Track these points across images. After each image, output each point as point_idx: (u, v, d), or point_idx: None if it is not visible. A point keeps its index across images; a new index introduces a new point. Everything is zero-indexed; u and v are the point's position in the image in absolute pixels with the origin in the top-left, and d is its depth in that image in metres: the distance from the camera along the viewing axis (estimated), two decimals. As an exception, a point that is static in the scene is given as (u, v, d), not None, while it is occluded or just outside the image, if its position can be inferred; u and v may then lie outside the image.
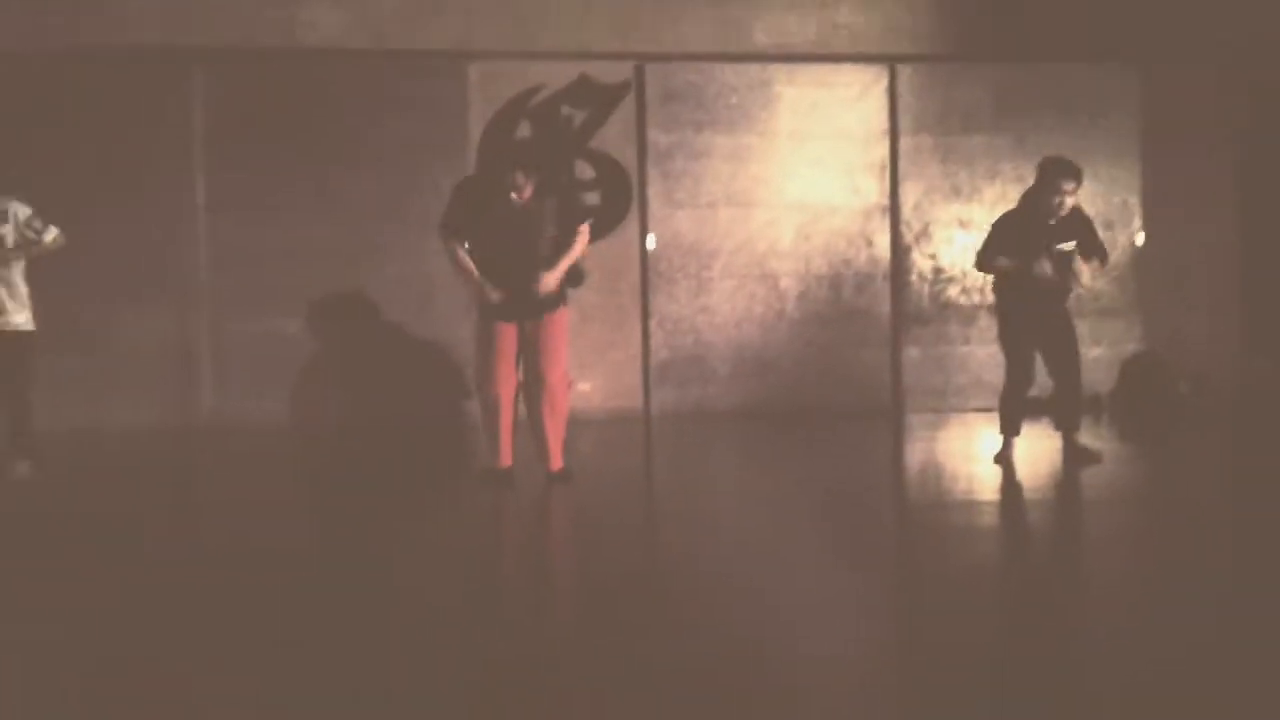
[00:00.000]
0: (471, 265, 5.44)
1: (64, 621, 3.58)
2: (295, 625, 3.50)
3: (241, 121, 7.91)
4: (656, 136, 8.30)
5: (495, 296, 5.41)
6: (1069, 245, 5.97)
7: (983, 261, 6.03)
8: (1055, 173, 5.85)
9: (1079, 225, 6.01)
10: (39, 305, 6.00)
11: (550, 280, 5.47)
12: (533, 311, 5.52)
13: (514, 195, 5.46)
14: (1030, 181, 6.13)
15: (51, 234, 5.89)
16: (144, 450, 7.19)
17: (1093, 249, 6.04)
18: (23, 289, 5.89)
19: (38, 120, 7.63)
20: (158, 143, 7.84)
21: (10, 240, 5.82)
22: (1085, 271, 5.97)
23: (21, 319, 5.86)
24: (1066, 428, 6.14)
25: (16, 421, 5.90)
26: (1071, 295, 6.21)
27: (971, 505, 5.27)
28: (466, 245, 5.48)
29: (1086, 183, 8.51)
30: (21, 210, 5.87)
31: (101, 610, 3.68)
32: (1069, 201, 5.86)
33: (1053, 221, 5.90)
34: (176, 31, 7.79)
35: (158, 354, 7.87)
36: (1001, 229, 6.00)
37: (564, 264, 5.51)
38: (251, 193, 7.93)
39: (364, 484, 6.15)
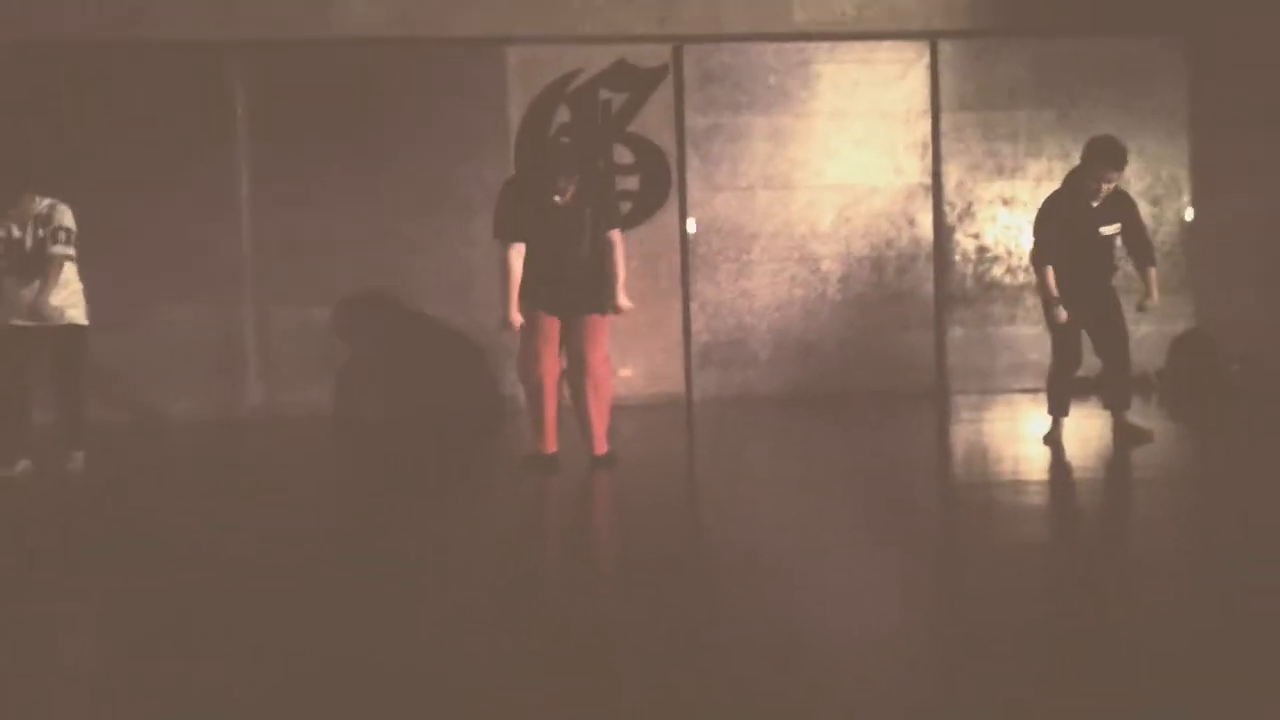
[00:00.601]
0: (516, 278, 5.46)
1: (119, 607, 3.63)
2: (346, 603, 3.52)
3: (283, 112, 7.95)
4: (695, 119, 8.25)
5: (517, 319, 5.47)
6: (1113, 229, 5.89)
7: (1040, 256, 5.91)
8: (1100, 158, 5.78)
9: (1123, 209, 5.93)
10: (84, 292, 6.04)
11: (624, 301, 5.61)
12: (576, 311, 5.57)
13: (556, 198, 5.48)
14: (1076, 159, 6.05)
15: (60, 251, 5.87)
16: (189, 442, 7.27)
17: (1138, 243, 5.97)
18: (76, 284, 5.94)
19: (83, 113, 7.71)
20: (202, 135, 7.90)
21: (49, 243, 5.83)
22: (1154, 288, 5.96)
23: (75, 313, 5.92)
24: (1116, 407, 6.06)
25: (71, 415, 5.97)
26: (1118, 273, 6.13)
27: (1020, 486, 5.21)
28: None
29: (1133, 158, 8.43)
30: (66, 217, 5.90)
31: (156, 595, 3.73)
32: (1108, 188, 5.80)
33: (1095, 204, 5.82)
34: (219, 24, 7.83)
35: (203, 346, 7.95)
36: (1048, 216, 5.92)
37: (622, 276, 5.60)
38: (294, 183, 7.97)
39: (409, 472, 6.18)
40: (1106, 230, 5.88)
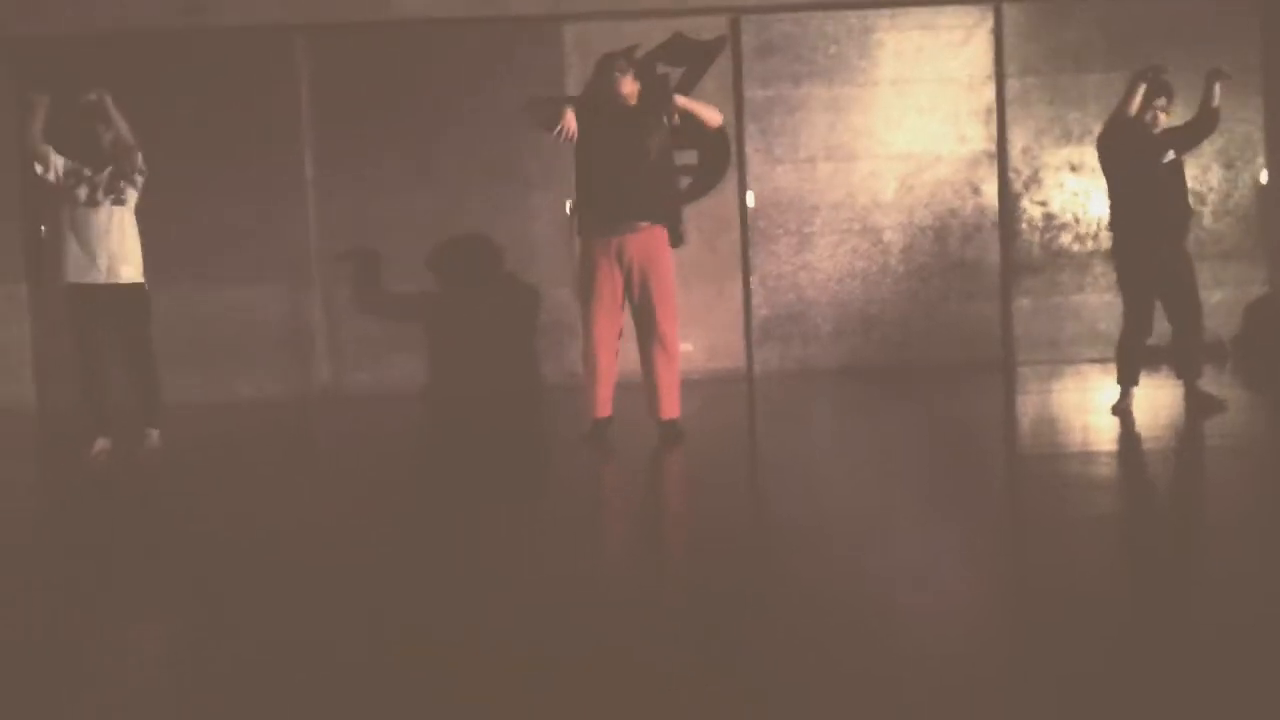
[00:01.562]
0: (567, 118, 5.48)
1: (201, 587, 3.74)
2: (416, 580, 3.60)
3: (346, 94, 8.05)
4: (754, 91, 8.20)
5: (570, 126, 5.43)
6: (1170, 155, 5.80)
7: (1106, 142, 5.86)
8: (1150, 90, 5.75)
9: (1168, 137, 5.84)
10: (153, 275, 6.11)
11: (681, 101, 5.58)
12: (639, 215, 5.50)
13: (619, 92, 5.47)
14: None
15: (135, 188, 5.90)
16: (259, 420, 7.43)
17: (1192, 130, 5.93)
18: (132, 241, 5.88)
19: (149, 97, 7.85)
20: (267, 119, 8.03)
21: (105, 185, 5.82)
22: (1216, 92, 5.88)
23: (128, 270, 5.85)
24: (1188, 376, 5.94)
25: (146, 386, 5.98)
26: (1191, 236, 6.02)
27: (1088, 457, 5.14)
28: (565, 129, 5.48)
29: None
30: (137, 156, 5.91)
31: (241, 575, 3.84)
32: (1163, 118, 5.72)
33: (1156, 131, 5.75)
34: (282, 8, 7.94)
35: (271, 325, 8.10)
36: (1111, 134, 5.88)
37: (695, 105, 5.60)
38: (357, 164, 8.08)
39: (476, 448, 6.26)
40: (1166, 158, 5.80)
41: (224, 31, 7.94)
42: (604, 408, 5.64)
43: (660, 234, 5.58)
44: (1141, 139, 5.79)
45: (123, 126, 5.90)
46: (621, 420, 5.83)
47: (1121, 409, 5.92)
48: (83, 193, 5.86)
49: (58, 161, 5.89)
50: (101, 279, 5.83)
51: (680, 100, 5.65)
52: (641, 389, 5.73)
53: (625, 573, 3.77)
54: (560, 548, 4.01)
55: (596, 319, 5.54)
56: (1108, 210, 6.03)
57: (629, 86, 5.53)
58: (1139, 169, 5.76)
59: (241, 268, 8.02)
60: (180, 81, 7.94)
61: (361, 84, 8.06)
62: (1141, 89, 5.79)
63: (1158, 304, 5.90)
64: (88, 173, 5.90)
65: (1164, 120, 5.78)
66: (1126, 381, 5.94)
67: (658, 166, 5.54)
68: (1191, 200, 5.97)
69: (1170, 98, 5.78)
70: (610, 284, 5.52)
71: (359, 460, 5.99)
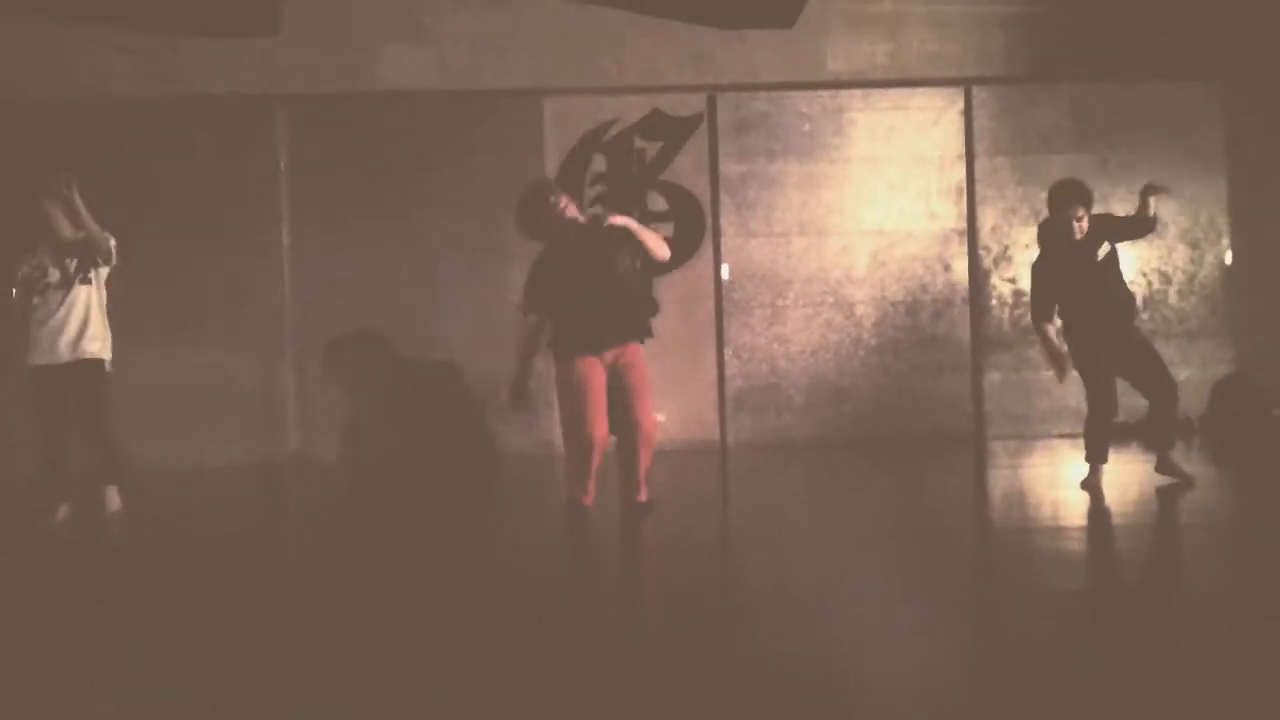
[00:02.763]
0: (528, 352, 5.56)
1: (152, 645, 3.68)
2: (377, 649, 3.55)
3: (324, 162, 8.12)
4: (729, 166, 8.33)
5: (518, 399, 5.54)
6: (1104, 250, 5.92)
7: (1039, 315, 5.99)
8: (1066, 197, 5.89)
9: (1103, 228, 5.96)
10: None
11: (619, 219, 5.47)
12: (619, 338, 5.49)
13: (567, 218, 5.43)
14: (1114, 203, 6.07)
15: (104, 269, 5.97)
16: (226, 486, 7.36)
17: (1127, 228, 6.06)
18: (99, 317, 5.96)
19: (128, 163, 7.90)
20: (245, 185, 8.07)
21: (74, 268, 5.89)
22: (1151, 203, 6.01)
23: (95, 347, 5.92)
24: (1160, 447, 5.99)
25: (104, 453, 5.99)
26: (1142, 315, 6.14)
27: (1059, 532, 5.16)
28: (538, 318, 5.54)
29: (1173, 200, 8.42)
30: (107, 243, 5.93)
31: (181, 642, 3.78)
32: (1084, 224, 5.87)
33: (1078, 237, 5.86)
34: (262, 77, 8.03)
35: (243, 390, 8.06)
36: (1041, 276, 6.00)
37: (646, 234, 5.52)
38: (334, 231, 8.12)
39: (446, 518, 6.21)
40: (1101, 253, 5.91)
41: (204, 99, 8.01)
42: (590, 496, 5.60)
43: (638, 351, 5.57)
44: (1070, 254, 5.90)
45: (91, 223, 5.89)
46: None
47: (1091, 484, 5.96)
48: (53, 276, 5.92)
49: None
50: (65, 358, 5.91)
51: (628, 224, 5.47)
52: (613, 472, 5.70)
53: (598, 636, 3.74)
54: (533, 612, 3.97)
55: (592, 419, 5.40)
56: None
57: (571, 209, 5.48)
58: (1072, 271, 5.89)
59: (215, 333, 8.01)
60: (159, 148, 7.98)
61: (340, 154, 8.13)
62: (1059, 202, 5.94)
63: (1121, 383, 5.98)
64: (52, 262, 5.94)
65: (1080, 228, 5.86)
66: (1095, 459, 5.99)
67: (630, 279, 5.49)
68: (1147, 280, 6.08)
69: (1088, 205, 5.91)
70: (598, 383, 5.45)
71: (324, 527, 5.93)
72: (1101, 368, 5.89)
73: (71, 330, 5.89)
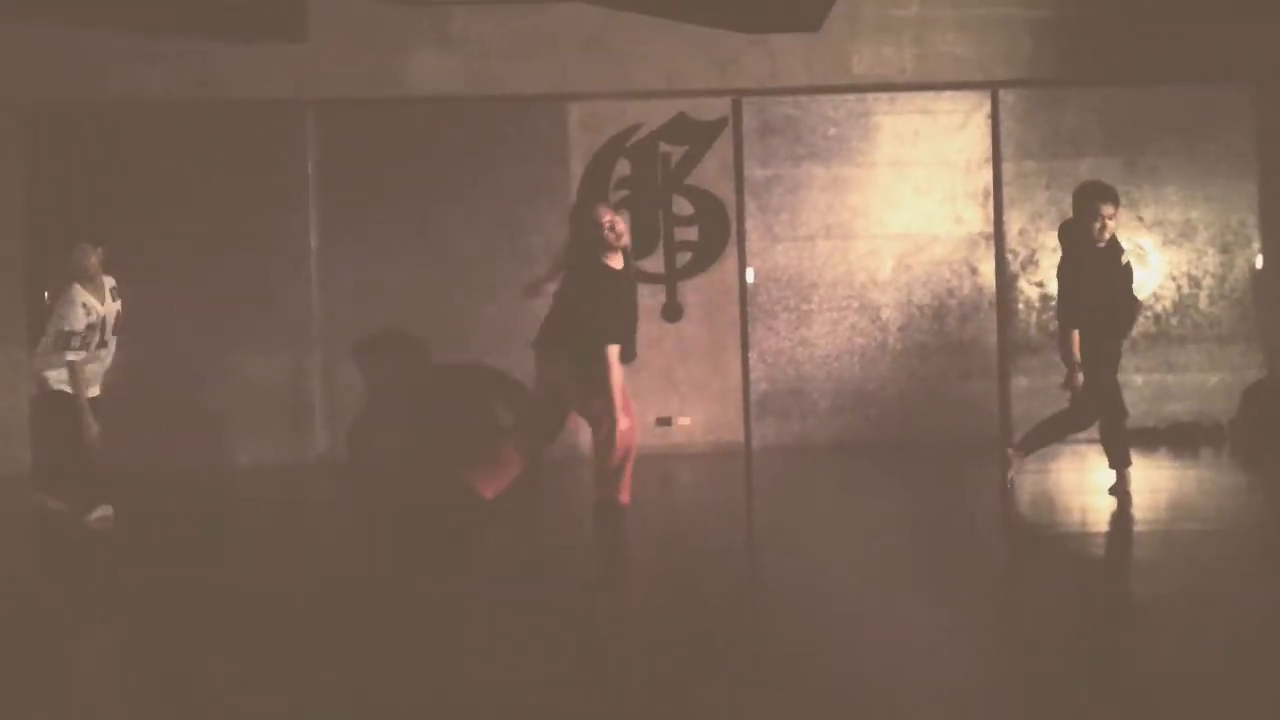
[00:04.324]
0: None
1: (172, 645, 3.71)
2: (396, 647, 3.57)
3: (352, 167, 8.17)
4: (754, 170, 8.32)
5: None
6: (1125, 258, 5.93)
7: (1071, 319, 5.88)
8: (1092, 197, 5.84)
9: (1120, 257, 5.93)
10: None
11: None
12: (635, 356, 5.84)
13: (620, 236, 5.69)
14: (1143, 207, 6.03)
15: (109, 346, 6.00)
16: (254, 488, 7.41)
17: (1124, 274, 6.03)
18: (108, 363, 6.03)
19: (158, 167, 7.99)
20: (274, 190, 8.14)
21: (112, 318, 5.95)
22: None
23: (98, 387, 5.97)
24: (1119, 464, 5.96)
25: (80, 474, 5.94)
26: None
27: (1086, 537, 5.12)
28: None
29: (1202, 205, 8.34)
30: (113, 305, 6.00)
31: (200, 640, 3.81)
32: (1111, 225, 5.79)
33: (1101, 245, 5.80)
34: (290, 82, 8.09)
35: (272, 394, 8.12)
36: (1069, 277, 5.92)
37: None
38: (362, 236, 8.17)
39: (471, 520, 6.23)
40: (1124, 260, 5.89)
41: (235, 104, 8.08)
42: (628, 495, 5.68)
43: None
44: (1090, 250, 5.86)
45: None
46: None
47: (1120, 490, 5.90)
48: (95, 316, 5.92)
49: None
50: (98, 393, 6.01)
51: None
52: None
53: (620, 636, 3.74)
54: (557, 615, 3.98)
55: (630, 408, 5.64)
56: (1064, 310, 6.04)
57: (626, 234, 5.71)
58: (1094, 274, 5.84)
59: (243, 336, 8.07)
60: (188, 152, 8.06)
61: (368, 158, 8.18)
62: (1086, 201, 5.89)
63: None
64: (99, 313, 5.94)
65: (1108, 227, 5.82)
66: (1120, 464, 5.93)
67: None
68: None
69: (1116, 204, 5.88)
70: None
71: (349, 527, 5.96)
72: (1106, 374, 5.86)
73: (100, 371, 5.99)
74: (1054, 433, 6.13)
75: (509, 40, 8.19)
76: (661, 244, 8.29)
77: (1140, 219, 8.37)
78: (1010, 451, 6.20)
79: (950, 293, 8.35)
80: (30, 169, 7.99)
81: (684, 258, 8.30)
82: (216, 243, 8.02)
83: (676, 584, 4.72)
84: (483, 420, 8.17)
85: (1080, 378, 5.83)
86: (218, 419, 8.04)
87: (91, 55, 7.98)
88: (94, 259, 5.88)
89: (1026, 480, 7.02)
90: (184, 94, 8.05)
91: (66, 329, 5.76)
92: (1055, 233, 8.32)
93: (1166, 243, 8.39)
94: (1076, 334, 5.86)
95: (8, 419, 7.96)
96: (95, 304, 5.87)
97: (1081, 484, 6.60)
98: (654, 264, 8.27)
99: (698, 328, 8.24)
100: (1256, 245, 8.44)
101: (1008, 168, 8.37)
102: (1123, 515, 5.54)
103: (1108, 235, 5.82)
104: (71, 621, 4.18)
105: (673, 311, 8.29)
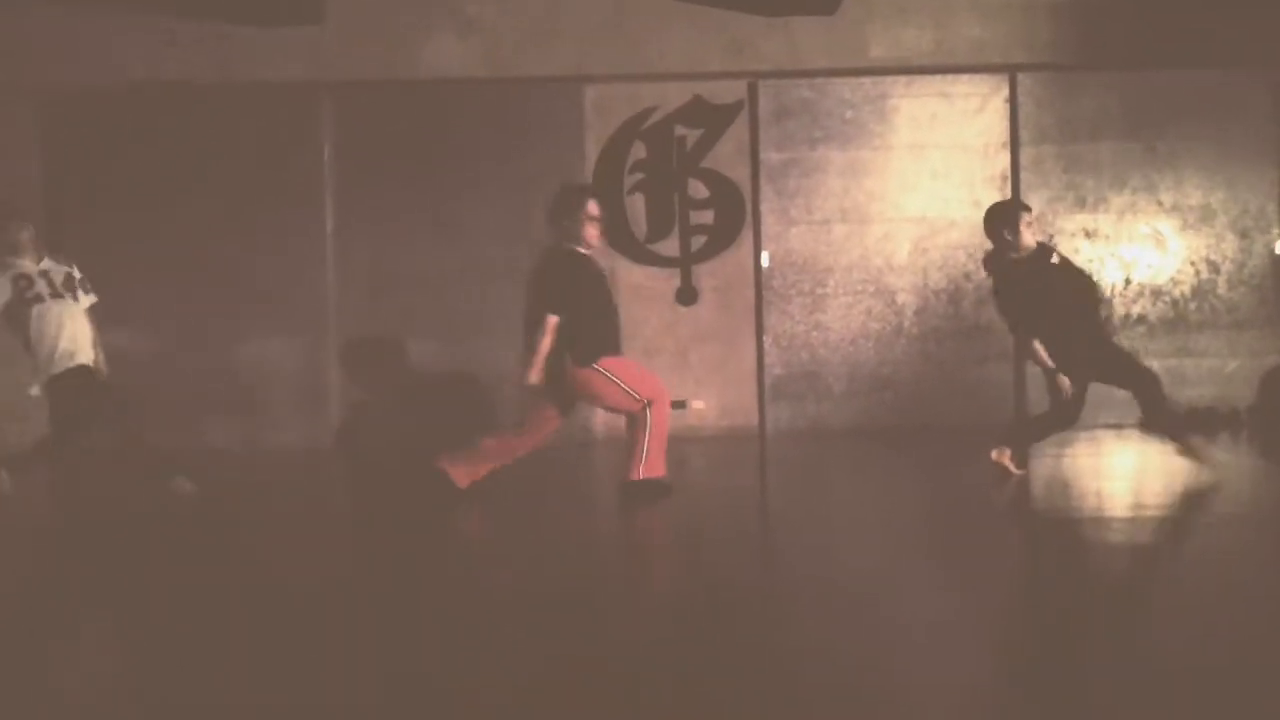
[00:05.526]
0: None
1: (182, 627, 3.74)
2: (415, 630, 3.59)
3: (368, 149, 8.19)
4: (770, 154, 8.29)
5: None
6: (1055, 257, 6.03)
7: (1026, 336, 5.93)
8: (1000, 216, 5.99)
9: (1048, 258, 6.00)
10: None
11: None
12: None
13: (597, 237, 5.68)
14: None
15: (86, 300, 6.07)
16: (270, 471, 7.45)
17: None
18: (88, 333, 6.03)
19: (175, 150, 8.03)
20: (289, 171, 8.16)
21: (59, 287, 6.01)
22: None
23: (85, 357, 5.98)
24: (1171, 431, 5.98)
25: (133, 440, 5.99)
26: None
27: (1101, 522, 5.10)
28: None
29: (1222, 190, 8.28)
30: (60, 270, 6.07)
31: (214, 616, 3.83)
32: (1032, 230, 5.96)
33: (1021, 255, 5.92)
34: (307, 65, 8.11)
35: (288, 376, 8.16)
36: (1009, 308, 5.97)
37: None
38: (378, 218, 8.19)
39: (486, 503, 6.25)
40: (1055, 259, 5.98)
41: (251, 88, 8.10)
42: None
43: None
44: (1017, 267, 5.91)
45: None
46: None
47: (1003, 470, 5.96)
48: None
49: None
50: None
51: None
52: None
53: (623, 632, 3.76)
54: (571, 598, 4.00)
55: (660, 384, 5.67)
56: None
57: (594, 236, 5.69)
58: (1031, 287, 5.86)
59: (259, 319, 8.10)
60: (205, 135, 8.08)
61: (383, 141, 8.19)
62: (995, 222, 5.99)
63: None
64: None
65: (1028, 235, 5.89)
66: (1018, 446, 6.07)
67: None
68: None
69: (1028, 210, 6.03)
70: None
71: (361, 512, 5.99)
72: (1078, 375, 5.85)
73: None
74: (1042, 432, 6.14)
75: (525, 23, 8.18)
76: (677, 227, 8.28)
77: (1159, 203, 8.32)
78: (994, 455, 6.10)
79: (966, 277, 8.32)
80: (47, 151, 8.03)
81: (699, 241, 8.29)
82: (232, 226, 8.05)
83: (690, 569, 4.72)
84: (502, 402, 8.18)
85: (1065, 380, 5.83)
86: (233, 402, 8.08)
87: (108, 39, 8.00)
88: (24, 235, 6.00)
89: (1043, 465, 6.99)
90: (201, 77, 8.08)
91: None
92: (1073, 217, 8.33)
93: (1185, 227, 8.33)
94: (1036, 342, 5.86)
95: (15, 402, 8.02)
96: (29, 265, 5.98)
97: (1096, 469, 6.58)
98: (669, 247, 8.27)
99: (712, 311, 8.24)
100: (1276, 231, 8.38)
101: (1026, 152, 8.33)
102: (1132, 500, 5.51)
103: (1028, 244, 5.88)
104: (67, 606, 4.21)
105: (687, 295, 8.28)
